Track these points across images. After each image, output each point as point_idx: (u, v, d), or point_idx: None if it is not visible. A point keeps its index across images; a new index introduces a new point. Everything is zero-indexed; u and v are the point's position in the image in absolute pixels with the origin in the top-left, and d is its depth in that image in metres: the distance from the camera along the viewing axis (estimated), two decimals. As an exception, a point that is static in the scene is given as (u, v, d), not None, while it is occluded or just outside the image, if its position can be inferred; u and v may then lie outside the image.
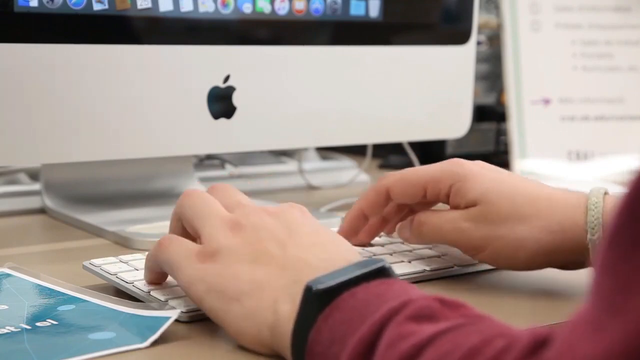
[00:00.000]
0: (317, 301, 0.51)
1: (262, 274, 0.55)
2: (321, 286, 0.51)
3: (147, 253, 0.63)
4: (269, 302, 0.54)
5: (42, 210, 0.92)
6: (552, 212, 0.67)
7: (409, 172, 0.73)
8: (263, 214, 0.59)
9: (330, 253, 0.56)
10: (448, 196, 0.70)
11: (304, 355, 0.51)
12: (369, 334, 0.47)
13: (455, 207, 0.70)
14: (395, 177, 0.73)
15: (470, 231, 0.68)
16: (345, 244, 0.59)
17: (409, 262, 0.73)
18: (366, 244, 0.77)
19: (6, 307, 0.61)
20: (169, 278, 0.63)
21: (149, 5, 0.84)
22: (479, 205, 0.68)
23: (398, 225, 0.75)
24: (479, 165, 0.71)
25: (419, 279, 0.71)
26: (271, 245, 0.57)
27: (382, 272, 0.52)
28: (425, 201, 0.73)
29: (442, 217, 0.70)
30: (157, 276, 0.63)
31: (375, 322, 0.48)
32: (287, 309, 0.53)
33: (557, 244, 0.67)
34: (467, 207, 0.69)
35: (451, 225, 0.69)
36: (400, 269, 0.71)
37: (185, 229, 0.62)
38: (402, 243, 0.77)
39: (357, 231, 0.76)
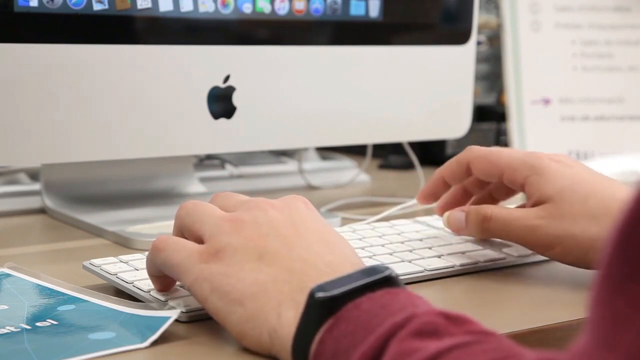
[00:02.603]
0: (320, 310, 0.50)
1: (267, 276, 0.55)
2: (325, 295, 0.50)
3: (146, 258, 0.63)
4: (273, 306, 0.53)
5: (42, 210, 0.92)
6: None
7: (493, 151, 0.75)
8: (266, 207, 0.58)
9: (336, 255, 0.56)
10: (523, 186, 0.72)
11: None
12: (372, 350, 0.47)
13: (528, 199, 0.71)
14: (478, 153, 0.75)
15: (541, 229, 0.69)
16: (348, 244, 0.59)
17: (409, 262, 0.73)
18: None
19: (6, 307, 0.61)
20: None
21: (149, 5, 0.84)
22: (552, 203, 0.69)
23: (447, 214, 0.76)
24: (558, 161, 0.72)
25: (419, 279, 0.71)
26: (275, 243, 0.56)
27: (388, 281, 0.52)
28: (504, 185, 0.75)
29: (511, 214, 0.71)
30: (164, 282, 0.62)
31: (379, 338, 0.47)
32: (291, 315, 0.52)
33: None
34: (539, 202, 0.70)
35: (521, 222, 0.70)
36: (400, 269, 0.70)
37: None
38: (402, 243, 0.77)
39: (437, 195, 0.79)
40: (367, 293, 0.51)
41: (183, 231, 0.60)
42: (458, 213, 0.75)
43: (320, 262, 0.55)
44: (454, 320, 0.48)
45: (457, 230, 0.75)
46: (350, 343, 0.48)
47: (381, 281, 0.51)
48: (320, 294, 0.51)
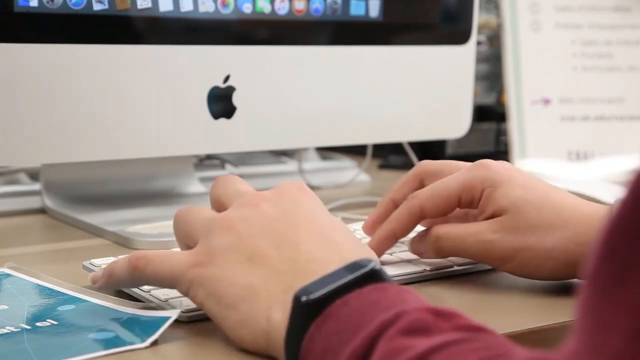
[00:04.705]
0: (306, 311, 0.50)
1: (258, 279, 0.54)
2: (309, 297, 0.50)
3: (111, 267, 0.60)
4: (263, 309, 0.53)
5: (42, 210, 0.92)
6: (578, 222, 0.66)
7: (438, 186, 0.70)
8: (257, 202, 0.58)
9: (326, 249, 0.55)
10: (479, 201, 0.68)
11: None
12: (361, 348, 0.47)
13: (480, 213, 0.68)
14: (426, 195, 0.70)
15: (497, 243, 0.67)
16: (343, 230, 0.58)
17: (409, 262, 0.73)
18: None
19: (6, 307, 0.61)
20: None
21: (149, 5, 0.84)
22: (508, 215, 0.67)
23: (409, 240, 0.72)
24: (507, 169, 0.69)
25: (419, 279, 0.71)
26: (264, 242, 0.55)
27: (375, 275, 0.51)
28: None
29: (464, 230, 0.68)
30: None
31: (368, 336, 0.47)
32: (279, 317, 0.52)
33: (584, 255, 0.65)
34: (493, 215, 0.67)
35: (475, 238, 0.67)
36: (401, 269, 0.70)
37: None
38: (402, 243, 0.77)
39: (385, 251, 0.73)
40: (355, 289, 0.50)
41: (184, 241, 0.60)
42: (418, 236, 0.71)
43: (309, 260, 0.54)
44: (443, 316, 0.47)
45: (420, 254, 0.71)
46: (340, 341, 0.48)
47: (368, 276, 0.51)
48: (304, 298, 0.50)
